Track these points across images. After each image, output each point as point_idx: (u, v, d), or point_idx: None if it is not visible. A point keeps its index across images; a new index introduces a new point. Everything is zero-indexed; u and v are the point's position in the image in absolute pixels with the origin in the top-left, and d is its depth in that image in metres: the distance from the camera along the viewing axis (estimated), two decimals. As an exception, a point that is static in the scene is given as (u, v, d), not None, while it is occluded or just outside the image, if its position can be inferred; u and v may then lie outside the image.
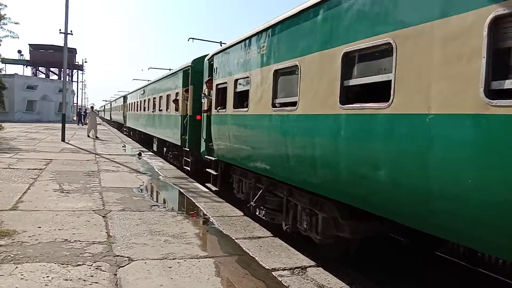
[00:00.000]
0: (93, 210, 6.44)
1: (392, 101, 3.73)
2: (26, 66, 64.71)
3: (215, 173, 9.16)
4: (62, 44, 23.03)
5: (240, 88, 7.59)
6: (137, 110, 25.03)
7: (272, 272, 4.27)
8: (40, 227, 5.30)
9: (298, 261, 4.67)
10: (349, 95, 4.46)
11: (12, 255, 4.21)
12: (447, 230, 3.48)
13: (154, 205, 7.19)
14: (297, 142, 5.42)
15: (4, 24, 26.25)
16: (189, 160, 11.90)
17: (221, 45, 14.03)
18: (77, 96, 73.90)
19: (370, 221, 4.82)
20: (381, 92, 3.96)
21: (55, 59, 58.94)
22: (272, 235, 5.74)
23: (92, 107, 32.19)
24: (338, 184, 4.65)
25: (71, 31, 22.43)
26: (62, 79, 41.19)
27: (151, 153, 17.27)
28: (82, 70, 70.62)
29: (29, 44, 64.78)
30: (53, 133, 25.37)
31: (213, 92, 9.06)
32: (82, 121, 45.56)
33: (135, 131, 26.64)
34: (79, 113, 49.49)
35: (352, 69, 4.42)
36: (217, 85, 8.84)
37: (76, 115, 57.63)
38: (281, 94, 6.01)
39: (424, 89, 3.42)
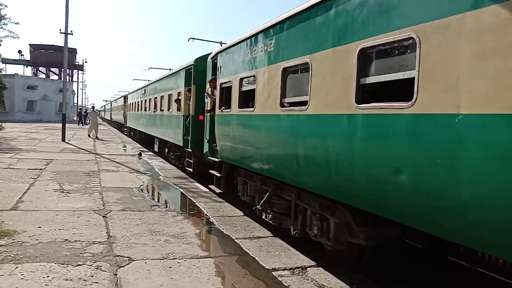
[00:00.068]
0: (93, 210, 6.44)
1: (415, 100, 3.49)
2: (27, 66, 64.84)
3: (218, 175, 8.90)
4: (62, 44, 23.09)
5: (245, 87, 7.37)
6: (138, 110, 24.94)
7: (272, 272, 4.27)
8: (40, 227, 5.31)
9: (298, 261, 4.67)
10: (365, 94, 4.21)
11: (12, 255, 4.22)
12: (480, 241, 3.21)
13: (154, 205, 7.19)
14: (307, 144, 5.19)
15: (4, 24, 26.35)
16: (192, 161, 11.68)
17: (221, 45, 13.98)
18: (77, 96, 74.10)
19: (386, 227, 4.58)
20: (401, 90, 3.77)
21: (55, 59, 58.99)
22: (272, 235, 5.73)
23: (93, 107, 32.24)
24: (353, 188, 4.39)
25: (71, 31, 22.52)
26: (62, 79, 41.21)
27: (151, 153, 17.27)
28: (82, 70, 70.79)
29: (30, 44, 64.84)
30: (53, 133, 25.38)
31: (217, 92, 8.81)
32: (83, 121, 45.58)
33: (136, 131, 26.60)
34: (80, 113, 49.52)
35: (369, 66, 4.16)
36: (221, 84, 8.63)
37: (76, 115, 57.68)
38: (290, 93, 5.77)
39: (452, 87, 3.16)
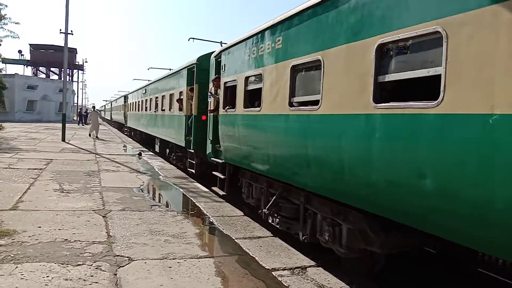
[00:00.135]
0: (93, 210, 6.44)
1: (442, 99, 3.25)
2: (27, 66, 64.88)
3: (222, 176, 8.60)
4: (62, 44, 23.10)
5: (251, 86, 7.11)
6: (138, 110, 24.86)
7: (272, 272, 4.27)
8: (40, 227, 5.31)
9: (298, 261, 4.66)
10: (384, 92, 3.96)
11: (12, 255, 4.22)
12: None
13: (154, 205, 7.19)
14: (319, 145, 4.93)
15: (4, 24, 26.37)
16: (194, 162, 11.44)
17: (221, 45, 13.90)
18: (78, 96, 74.08)
19: (404, 233, 4.33)
20: (423, 88, 3.60)
21: (55, 59, 59.04)
22: (272, 235, 5.73)
23: (93, 107, 32.30)
24: (370, 193, 4.13)
25: (71, 31, 22.57)
26: (62, 79, 41.19)
27: (152, 153, 17.27)
28: (82, 70, 70.78)
29: (30, 44, 64.87)
30: (54, 133, 25.40)
31: (221, 91, 8.56)
32: (83, 121, 45.62)
33: (136, 131, 26.55)
34: (80, 113, 49.55)
35: (388, 63, 3.91)
36: (225, 83, 8.34)
37: (76, 115, 57.70)
38: (300, 92, 5.50)
39: (485, 86, 2.93)
